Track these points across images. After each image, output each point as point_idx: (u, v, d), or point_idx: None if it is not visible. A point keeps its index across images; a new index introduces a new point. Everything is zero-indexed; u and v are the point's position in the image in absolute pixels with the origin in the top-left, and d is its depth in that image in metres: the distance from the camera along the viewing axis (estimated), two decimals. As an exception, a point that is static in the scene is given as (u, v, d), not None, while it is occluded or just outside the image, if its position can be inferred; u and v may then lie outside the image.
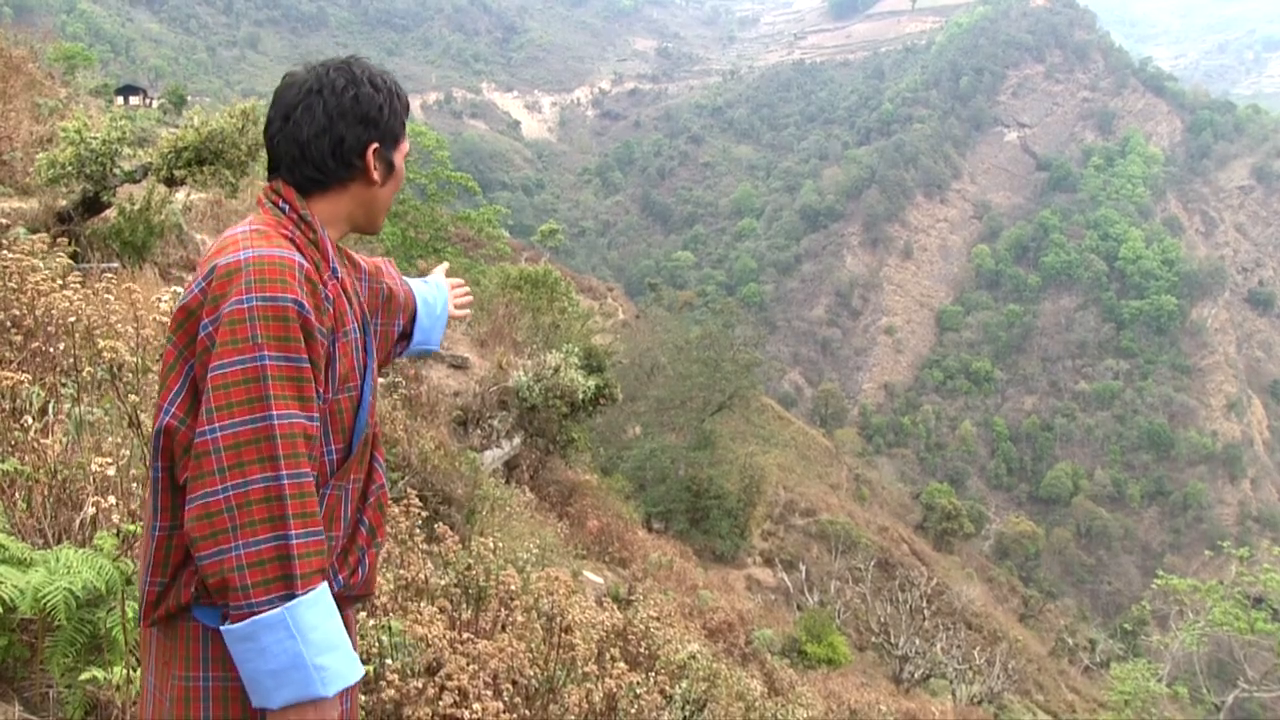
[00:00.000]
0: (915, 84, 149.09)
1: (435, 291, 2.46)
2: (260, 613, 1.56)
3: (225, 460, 1.57)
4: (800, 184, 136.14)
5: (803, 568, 26.46)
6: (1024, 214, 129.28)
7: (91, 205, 9.64)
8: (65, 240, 8.11)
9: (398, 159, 1.93)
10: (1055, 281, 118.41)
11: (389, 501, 1.94)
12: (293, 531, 1.57)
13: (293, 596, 1.56)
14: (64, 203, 9.53)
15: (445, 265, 2.69)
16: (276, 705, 1.59)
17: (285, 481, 1.57)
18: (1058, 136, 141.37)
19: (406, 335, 2.34)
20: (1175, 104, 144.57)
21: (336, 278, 1.82)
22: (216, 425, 1.58)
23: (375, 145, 1.86)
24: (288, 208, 1.83)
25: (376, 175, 1.89)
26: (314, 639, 1.56)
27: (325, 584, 1.62)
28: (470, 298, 2.66)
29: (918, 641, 19.84)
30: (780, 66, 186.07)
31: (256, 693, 1.60)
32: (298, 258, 1.71)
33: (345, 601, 1.83)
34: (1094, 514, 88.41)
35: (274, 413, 1.59)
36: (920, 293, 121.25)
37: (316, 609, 1.58)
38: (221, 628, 1.61)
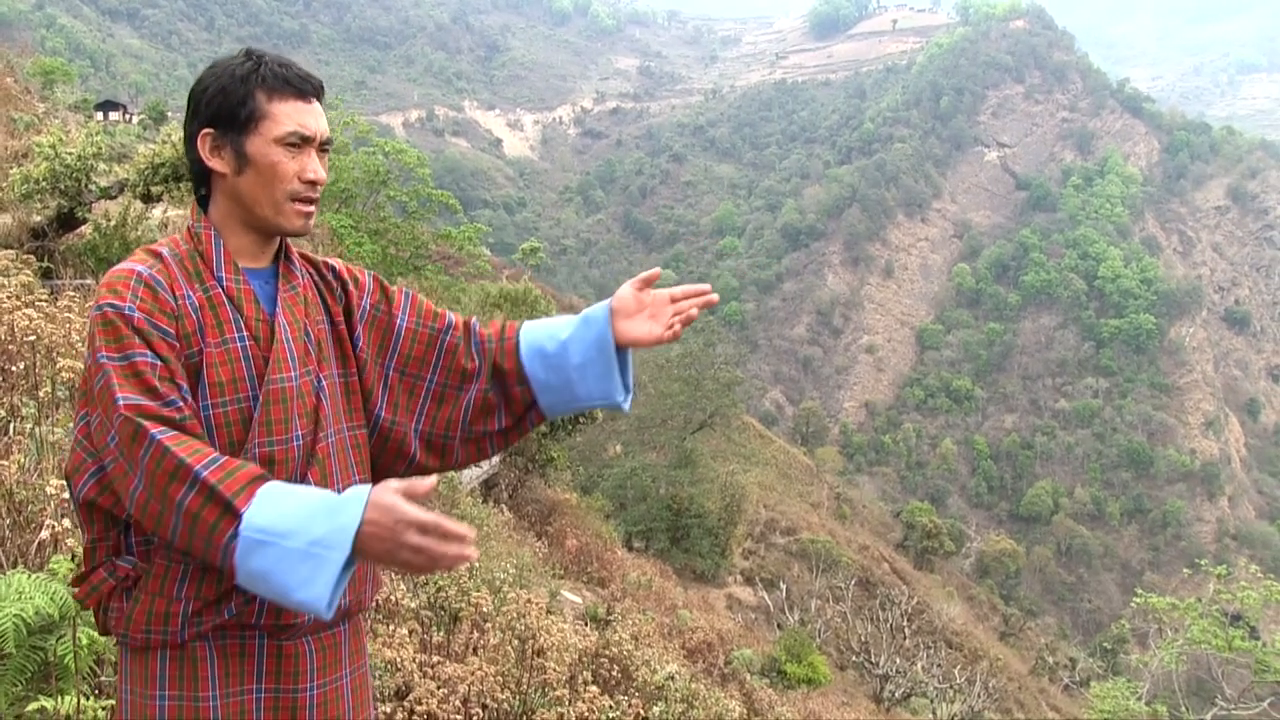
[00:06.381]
0: (896, 104, 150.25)
1: (580, 328, 1.94)
2: (232, 558, 1.51)
3: (122, 456, 1.59)
4: (782, 203, 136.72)
5: (783, 587, 26.40)
6: (1004, 233, 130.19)
7: (66, 221, 9.56)
8: (38, 256, 8.03)
9: (252, 146, 1.75)
10: (1035, 300, 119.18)
11: None
12: (197, 468, 1.52)
13: (239, 518, 1.50)
14: (38, 218, 9.45)
15: (653, 272, 1.97)
16: (319, 593, 1.47)
17: (160, 438, 1.54)
18: (1037, 156, 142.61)
19: (513, 400, 1.97)
20: (1152, 125, 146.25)
21: (222, 285, 1.75)
22: (109, 437, 1.60)
23: (207, 132, 1.77)
24: (191, 222, 1.82)
25: (217, 164, 1.77)
26: (285, 528, 1.49)
27: (265, 485, 1.53)
28: (687, 314, 1.95)
29: (898, 660, 19.81)
30: (762, 86, 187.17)
31: (304, 605, 1.50)
32: (139, 268, 1.70)
33: (253, 630, 1.72)
34: (1074, 532, 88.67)
35: (119, 397, 1.58)
36: (901, 311, 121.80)
37: (269, 505, 1.50)
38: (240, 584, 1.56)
